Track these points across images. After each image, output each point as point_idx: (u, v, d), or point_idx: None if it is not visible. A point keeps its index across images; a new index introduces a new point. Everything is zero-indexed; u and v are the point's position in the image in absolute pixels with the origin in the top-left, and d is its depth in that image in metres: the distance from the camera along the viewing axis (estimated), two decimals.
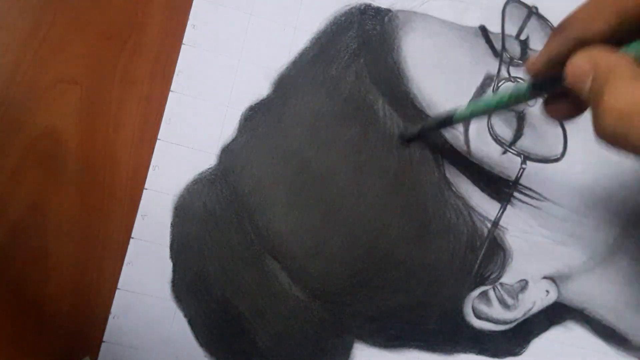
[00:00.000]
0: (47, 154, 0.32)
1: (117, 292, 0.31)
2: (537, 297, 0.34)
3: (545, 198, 0.33)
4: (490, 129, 0.33)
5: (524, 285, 0.34)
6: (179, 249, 0.32)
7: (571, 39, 0.20)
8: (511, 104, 0.25)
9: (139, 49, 0.33)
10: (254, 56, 0.34)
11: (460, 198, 0.33)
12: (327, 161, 0.33)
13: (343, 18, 0.35)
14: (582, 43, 0.20)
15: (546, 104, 0.23)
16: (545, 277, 0.34)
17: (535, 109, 0.34)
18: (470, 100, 0.33)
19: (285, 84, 0.34)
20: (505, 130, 0.33)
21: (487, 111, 0.28)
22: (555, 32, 0.21)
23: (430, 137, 0.33)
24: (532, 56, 0.23)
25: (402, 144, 0.33)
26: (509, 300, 0.34)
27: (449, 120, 0.30)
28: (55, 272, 0.31)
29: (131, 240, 0.32)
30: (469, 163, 0.33)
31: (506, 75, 0.34)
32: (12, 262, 0.31)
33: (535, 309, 0.34)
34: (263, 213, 0.32)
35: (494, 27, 0.36)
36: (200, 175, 0.33)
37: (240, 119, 0.34)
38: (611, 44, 0.19)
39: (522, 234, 0.33)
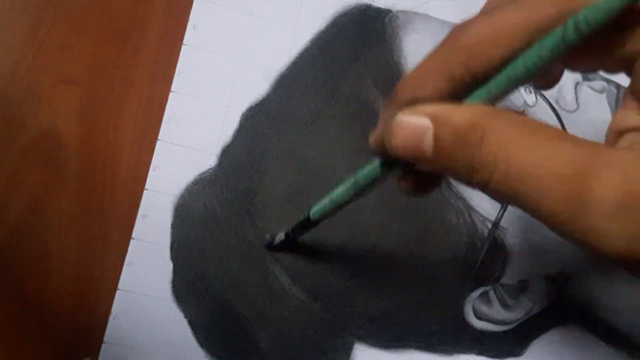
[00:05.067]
0: (47, 154, 0.32)
1: (118, 292, 0.31)
2: (538, 298, 0.34)
3: None
4: None
5: (524, 285, 0.34)
6: (179, 250, 0.32)
7: (402, 104, 0.18)
8: (367, 187, 0.22)
9: (139, 49, 0.33)
10: (254, 56, 0.34)
11: (461, 198, 0.33)
12: (327, 162, 0.33)
13: (343, 19, 0.35)
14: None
15: (399, 179, 0.21)
16: (546, 278, 0.34)
17: (534, 109, 0.34)
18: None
19: (285, 84, 0.34)
20: None
21: (344, 202, 0.24)
22: (386, 102, 0.19)
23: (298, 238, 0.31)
24: (372, 132, 0.21)
25: (269, 250, 0.32)
26: (510, 301, 0.34)
27: (306, 223, 0.27)
28: (55, 273, 0.31)
29: (131, 240, 0.32)
30: None
31: None
32: (11, 262, 0.31)
33: (535, 310, 0.34)
34: (263, 214, 0.32)
35: None
36: (200, 176, 0.33)
37: (241, 119, 0.33)
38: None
39: (522, 234, 0.33)
